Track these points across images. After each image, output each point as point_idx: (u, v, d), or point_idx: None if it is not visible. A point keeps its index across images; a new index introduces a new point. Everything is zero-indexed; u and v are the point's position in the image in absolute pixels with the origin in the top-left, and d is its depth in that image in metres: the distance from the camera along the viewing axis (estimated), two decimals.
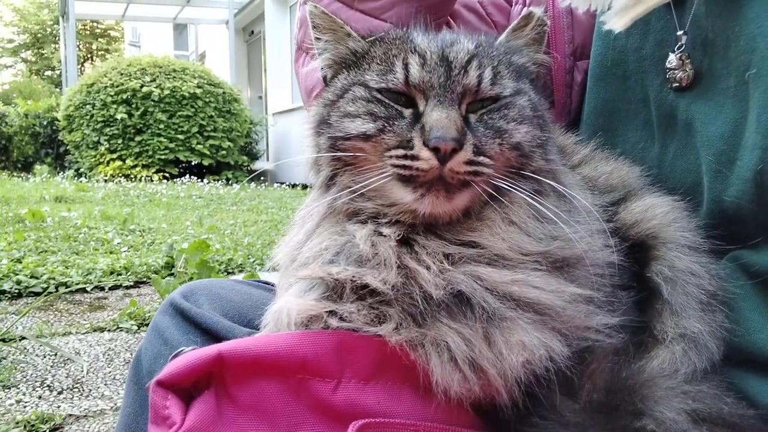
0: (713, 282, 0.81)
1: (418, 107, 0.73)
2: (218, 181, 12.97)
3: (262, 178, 14.43)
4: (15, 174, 13.34)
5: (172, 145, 12.78)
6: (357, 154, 0.74)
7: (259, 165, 15.52)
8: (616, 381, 0.71)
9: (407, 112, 0.74)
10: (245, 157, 14.39)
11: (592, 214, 0.80)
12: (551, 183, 0.75)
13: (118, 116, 12.39)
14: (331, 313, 0.71)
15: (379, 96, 0.75)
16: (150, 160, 12.74)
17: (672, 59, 0.90)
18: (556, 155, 0.81)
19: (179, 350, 0.70)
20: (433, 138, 0.68)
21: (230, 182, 13.21)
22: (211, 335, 1.02)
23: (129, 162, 12.67)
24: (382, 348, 0.68)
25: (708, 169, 0.85)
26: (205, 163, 13.23)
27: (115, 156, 12.69)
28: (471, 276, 0.69)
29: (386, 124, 0.72)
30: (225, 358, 0.65)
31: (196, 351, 0.67)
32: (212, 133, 13.19)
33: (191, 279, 3.58)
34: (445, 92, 0.72)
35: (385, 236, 0.72)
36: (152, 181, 12.15)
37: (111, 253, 4.66)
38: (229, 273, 4.15)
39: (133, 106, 12.59)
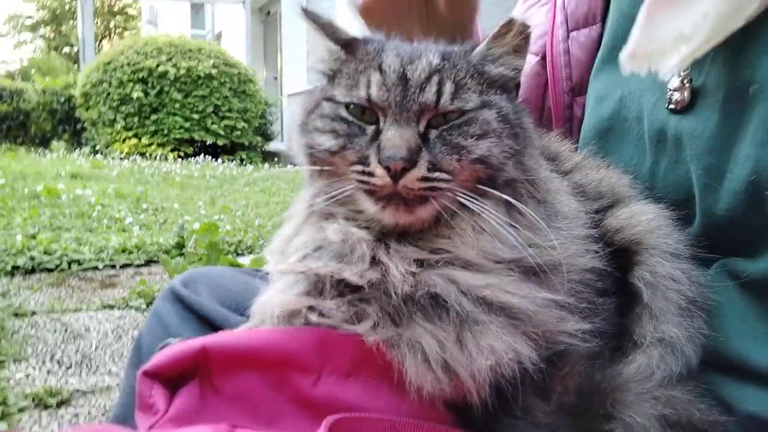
0: (693, 288, 0.83)
1: (379, 124, 0.75)
2: (232, 161, 13.03)
3: (275, 159, 14.47)
4: (32, 149, 13.49)
5: (187, 125, 12.86)
6: (327, 165, 0.78)
7: (273, 146, 15.56)
8: (589, 384, 0.73)
9: (370, 129, 0.75)
10: (259, 138, 14.44)
11: (576, 219, 0.81)
12: (529, 190, 0.77)
13: (134, 95, 12.47)
14: (312, 308, 0.74)
15: (343, 113, 0.77)
16: (165, 139, 12.83)
17: (674, 80, 0.91)
18: (538, 162, 0.82)
19: (166, 342, 0.74)
20: (384, 157, 0.70)
21: (244, 163, 13.27)
22: (208, 323, 1.05)
23: (144, 140, 12.76)
24: (360, 346, 0.70)
25: (698, 182, 0.85)
26: (220, 143, 13.29)
27: (130, 134, 12.78)
28: (446, 278, 0.71)
29: (347, 142, 0.75)
30: (209, 351, 0.68)
31: (182, 343, 0.70)
32: (227, 114, 13.24)
33: (200, 260, 3.64)
34: (401, 111, 0.73)
35: (360, 235, 0.75)
36: (167, 159, 12.24)
37: (123, 231, 4.74)
38: (238, 254, 4.20)
39: (149, 85, 12.65)
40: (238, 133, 13.50)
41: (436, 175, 0.71)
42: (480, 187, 0.75)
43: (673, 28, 0.80)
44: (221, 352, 0.69)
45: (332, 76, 0.81)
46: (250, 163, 13.42)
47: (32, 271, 3.60)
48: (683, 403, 0.73)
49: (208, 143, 13.25)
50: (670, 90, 0.91)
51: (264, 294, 0.81)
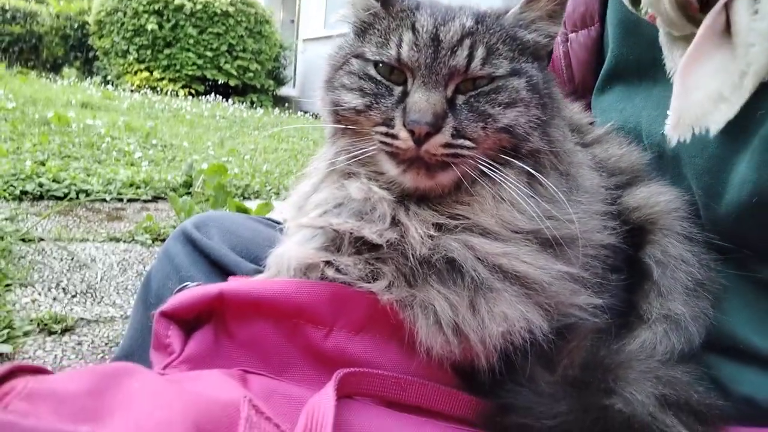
0: (702, 271, 0.84)
1: (407, 86, 0.74)
2: (243, 102, 12.93)
3: (286, 104, 14.35)
4: (43, 74, 13.37)
5: (200, 62, 12.71)
6: (351, 124, 0.78)
7: (285, 91, 15.40)
8: (593, 359, 0.75)
9: (397, 90, 0.75)
10: (272, 82, 14.29)
11: (596, 194, 0.82)
12: (553, 162, 0.76)
13: (149, 27, 12.28)
14: (329, 263, 0.74)
15: (372, 72, 0.76)
16: (177, 75, 12.71)
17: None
18: (564, 134, 0.81)
19: (184, 284, 0.75)
20: (409, 121, 0.70)
21: (254, 105, 13.17)
22: (218, 267, 1.06)
23: (156, 74, 12.64)
24: (373, 303, 0.72)
25: (699, 199, 0.86)
26: (232, 83, 13.17)
27: (142, 67, 12.66)
28: (463, 244, 0.71)
29: (373, 102, 0.74)
30: (226, 297, 0.70)
31: (200, 287, 0.71)
32: (241, 54, 13.07)
33: (207, 200, 3.65)
34: (430, 73, 0.72)
35: (381, 194, 0.75)
36: (177, 96, 12.16)
37: (132, 165, 4.74)
38: (245, 198, 4.22)
39: (164, 17, 12.45)
40: (251, 74, 13.36)
41: (460, 142, 0.71)
42: (502, 156, 0.75)
43: (710, 89, 0.79)
44: (238, 299, 0.70)
45: (363, 31, 0.80)
46: (261, 106, 13.31)
47: (40, 197, 3.62)
48: (682, 384, 0.75)
49: (219, 83, 13.11)
50: (669, 113, 0.90)
51: (281, 246, 0.82)
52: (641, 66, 1.02)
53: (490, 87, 0.74)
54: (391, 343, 0.74)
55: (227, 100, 12.60)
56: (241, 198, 4.17)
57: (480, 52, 0.73)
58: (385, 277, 0.72)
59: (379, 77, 0.75)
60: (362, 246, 0.74)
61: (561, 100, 0.83)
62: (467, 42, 0.73)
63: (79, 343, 2.00)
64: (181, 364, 0.66)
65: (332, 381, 0.64)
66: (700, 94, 0.79)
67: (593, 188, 0.82)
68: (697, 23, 0.83)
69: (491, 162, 0.73)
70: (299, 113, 13.39)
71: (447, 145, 0.71)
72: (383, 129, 0.73)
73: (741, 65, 0.75)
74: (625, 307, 0.84)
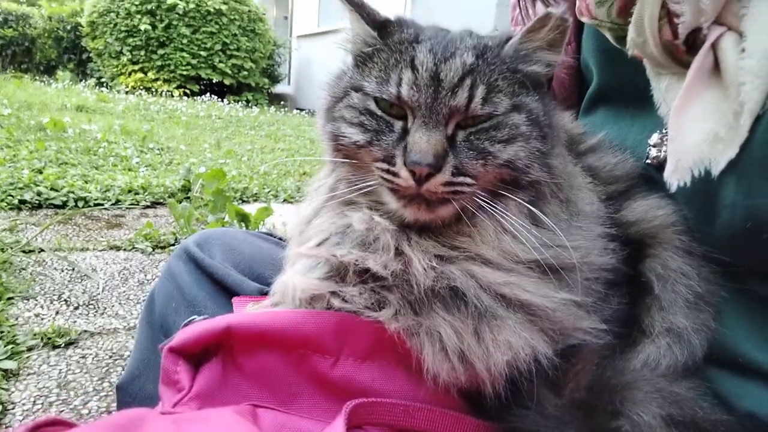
0: (702, 284, 0.85)
1: (407, 122, 0.74)
2: (238, 102, 12.91)
3: (282, 102, 14.32)
4: (37, 77, 13.33)
5: (194, 62, 12.69)
6: (352, 156, 0.78)
7: (280, 89, 15.38)
8: (600, 381, 0.75)
9: (398, 125, 0.74)
10: (266, 80, 14.27)
11: (596, 217, 0.82)
12: (553, 190, 0.77)
13: (142, 27, 12.25)
14: (334, 293, 0.75)
15: (372, 107, 0.76)
16: (171, 75, 12.68)
17: (655, 137, 0.91)
18: (563, 161, 0.81)
19: (191, 318, 0.75)
20: (410, 161, 0.70)
21: (250, 104, 13.15)
22: (222, 286, 1.07)
23: (150, 75, 12.62)
24: (379, 332, 0.72)
25: (693, 222, 0.86)
26: (226, 82, 13.15)
27: (136, 68, 12.63)
28: (466, 273, 0.72)
29: (374, 138, 0.74)
30: (233, 331, 0.70)
31: (207, 321, 0.72)
32: (235, 52, 13.04)
33: (206, 206, 3.65)
34: (431, 113, 0.72)
35: (384, 225, 0.76)
36: (173, 96, 12.13)
37: (129, 170, 4.74)
38: (243, 201, 4.21)
39: (157, 17, 12.43)
40: (245, 73, 13.34)
41: (460, 179, 0.71)
42: (503, 187, 0.75)
43: (706, 130, 0.79)
44: (245, 332, 0.71)
45: (363, 62, 0.79)
46: (256, 104, 13.31)
47: (39, 206, 3.61)
48: (687, 402, 0.75)
49: (214, 82, 13.09)
50: (650, 145, 0.92)
51: (284, 274, 0.83)
52: (626, 92, 1.02)
53: (489, 124, 0.74)
54: (398, 370, 0.74)
55: (222, 100, 12.57)
56: (240, 202, 4.17)
57: (480, 92, 0.73)
58: (392, 305, 0.73)
59: (379, 113, 0.75)
60: (367, 276, 0.74)
61: (561, 128, 0.83)
62: (468, 81, 0.72)
63: (84, 357, 2.00)
64: (191, 401, 0.66)
65: (342, 414, 0.65)
66: (696, 136, 0.79)
67: (593, 211, 0.82)
68: (684, 64, 0.83)
69: (492, 194, 0.74)
70: (295, 111, 13.39)
71: (447, 184, 0.71)
72: (384, 166, 0.73)
73: (734, 105, 0.75)
74: (627, 320, 0.84)
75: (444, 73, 0.72)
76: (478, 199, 0.73)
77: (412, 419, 0.72)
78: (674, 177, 0.82)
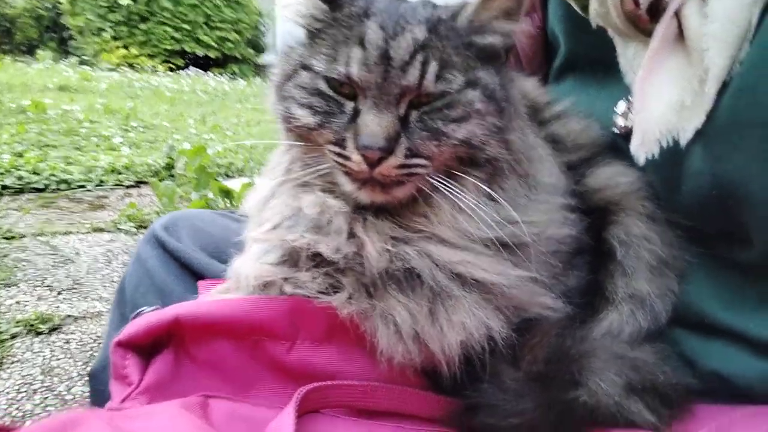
0: (666, 249, 0.84)
1: (358, 103, 0.71)
2: (223, 74, 12.74)
3: (268, 73, 14.13)
4: (18, 58, 13.09)
5: (177, 35, 12.49)
6: (304, 138, 0.76)
7: (266, 58, 15.18)
8: (558, 352, 0.75)
9: (349, 105, 0.72)
10: (252, 50, 14.06)
11: (557, 188, 0.81)
12: (512, 165, 0.75)
13: (123, 2, 12.01)
14: (287, 279, 0.74)
15: (322, 87, 0.72)
16: (155, 50, 12.50)
17: (621, 105, 0.89)
18: (523, 134, 0.79)
19: (140, 310, 0.74)
20: (360, 145, 0.68)
21: (236, 76, 12.98)
22: (189, 269, 1.06)
23: (134, 51, 12.43)
24: (333, 315, 0.71)
25: (661, 189, 0.86)
26: (211, 55, 12.97)
27: (119, 44, 12.43)
28: (422, 253, 0.71)
29: (325, 120, 0.72)
30: (182, 322, 0.69)
31: (155, 313, 0.70)
32: (219, 24, 12.84)
33: (190, 183, 3.62)
34: (381, 93, 0.69)
35: (337, 207, 0.74)
36: (157, 72, 11.95)
37: (112, 150, 4.68)
38: (228, 176, 4.18)
39: None
40: (230, 45, 13.15)
41: (414, 161, 0.69)
42: (459, 166, 0.73)
43: (672, 99, 0.77)
44: (194, 321, 0.70)
45: (312, 37, 0.76)
46: (242, 76, 13.13)
47: (20, 191, 3.58)
48: (648, 367, 0.76)
49: (199, 55, 12.90)
50: (616, 113, 0.90)
51: (239, 258, 0.81)
52: (593, 60, 1.00)
53: (443, 102, 0.71)
54: (355, 349, 0.74)
55: (208, 73, 12.41)
56: (225, 177, 4.14)
57: (432, 69, 0.69)
58: (345, 289, 0.72)
59: (330, 93, 0.72)
60: (320, 260, 0.73)
61: (519, 100, 0.81)
62: (419, 58, 0.69)
63: (68, 342, 2.00)
64: (140, 395, 0.66)
65: (293, 401, 0.64)
66: (662, 106, 0.77)
67: (552, 183, 0.81)
68: (648, 33, 0.82)
69: (448, 174, 0.72)
70: None
71: (401, 166, 0.69)
72: (336, 149, 0.71)
73: (698, 71, 0.74)
74: (590, 287, 0.84)
75: (394, 51, 0.69)
76: (433, 180, 0.71)
77: (371, 399, 0.72)
78: (641, 150, 0.80)
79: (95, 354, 1.93)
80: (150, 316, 0.70)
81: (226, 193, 3.20)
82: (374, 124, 0.68)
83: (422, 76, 0.69)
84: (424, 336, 0.69)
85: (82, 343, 2.00)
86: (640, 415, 0.70)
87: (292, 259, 0.75)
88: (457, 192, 0.71)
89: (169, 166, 4.10)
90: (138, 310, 0.75)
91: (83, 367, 1.86)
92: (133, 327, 0.69)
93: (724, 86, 0.74)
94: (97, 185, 3.83)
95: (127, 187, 3.93)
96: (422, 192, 0.73)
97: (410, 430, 0.72)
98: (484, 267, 0.71)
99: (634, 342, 0.82)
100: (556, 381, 0.72)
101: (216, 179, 3.50)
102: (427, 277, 0.70)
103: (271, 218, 0.79)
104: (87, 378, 1.79)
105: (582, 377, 0.73)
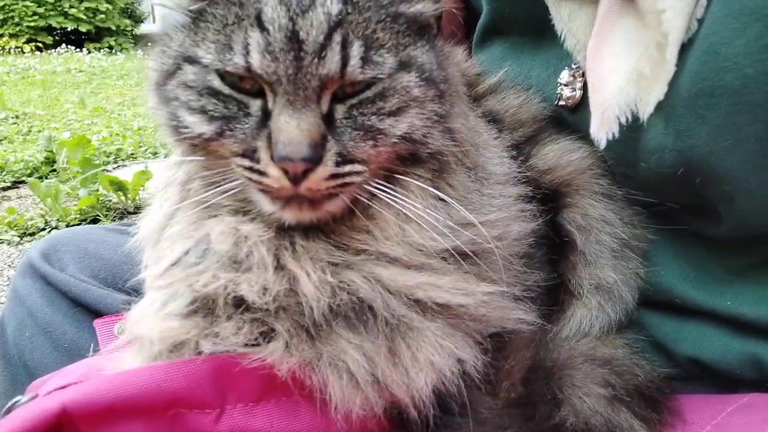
0: (626, 229, 0.79)
1: (267, 101, 0.56)
2: (100, 49, 11.84)
3: (149, 44, 13.29)
4: None
5: (41, 10, 11.47)
6: (200, 150, 0.61)
7: (146, 28, 14.26)
8: (534, 368, 0.68)
9: (255, 105, 0.56)
10: (128, 21, 13.14)
11: (508, 177, 0.70)
12: (458, 157, 0.64)
13: None
14: (203, 334, 0.58)
15: (216, 84, 0.56)
16: (18, 29, 11.44)
17: (565, 75, 0.81)
18: (465, 118, 0.67)
19: (15, 401, 0.57)
20: (278, 157, 0.53)
21: (114, 50, 12.10)
22: (81, 305, 0.90)
23: None
24: (269, 373, 0.57)
25: (615, 169, 0.79)
26: (83, 29, 12.01)
27: None
28: (370, 279, 0.58)
29: (225, 127, 0.56)
30: (72, 413, 0.53)
31: (32, 406, 0.53)
32: None
33: (75, 177, 3.28)
34: (296, 88, 0.54)
35: (256, 235, 0.59)
36: (23, 53, 10.92)
37: None
38: (118, 165, 3.83)
39: None
40: (102, 16, 12.25)
41: (348, 168, 0.56)
42: (400, 166, 0.61)
43: (628, 68, 0.69)
44: (88, 410, 0.54)
45: (193, 20, 0.59)
46: (121, 50, 12.27)
47: None
48: (627, 366, 0.72)
49: (69, 30, 11.89)
50: (560, 84, 0.82)
51: (137, 308, 0.64)
52: (523, 22, 0.90)
53: (374, 91, 0.57)
54: (300, 403, 0.61)
55: (81, 50, 11.47)
56: (114, 166, 3.79)
57: (356, 50, 0.55)
58: (281, 336, 0.57)
59: (227, 91, 0.56)
60: (243, 304, 0.58)
61: (458, 79, 0.68)
62: (337, 38, 0.54)
63: None
64: None
65: None
66: (618, 78, 0.69)
67: (504, 171, 0.71)
68: None
69: (387, 177, 0.60)
70: None
71: (332, 177, 0.55)
72: (246, 162, 0.56)
73: (656, 35, 0.65)
74: (552, 283, 0.76)
75: (305, 31, 0.54)
76: (371, 186, 0.58)
77: None
78: (602, 131, 0.72)
79: None
80: (27, 413, 0.53)
81: (119, 187, 2.91)
82: (292, 127, 0.53)
83: (344, 60, 0.55)
84: (385, 381, 0.57)
85: None
86: (631, 428, 0.65)
87: (205, 306, 0.59)
88: (401, 198, 0.59)
89: (50, 161, 3.70)
90: (12, 401, 0.57)
91: None
92: (6, 427, 0.52)
93: (685, 50, 0.66)
94: None
95: (3, 189, 3.51)
96: (359, 202, 0.59)
97: None
98: (446, 287, 0.60)
99: (605, 336, 0.77)
100: (538, 405, 0.65)
101: (105, 171, 3.19)
102: (380, 309, 0.58)
103: (169, 253, 0.63)
104: None
105: (564, 394, 0.67)
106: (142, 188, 2.98)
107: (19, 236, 2.78)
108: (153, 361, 0.59)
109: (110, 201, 3.03)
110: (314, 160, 0.54)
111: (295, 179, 0.54)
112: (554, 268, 0.77)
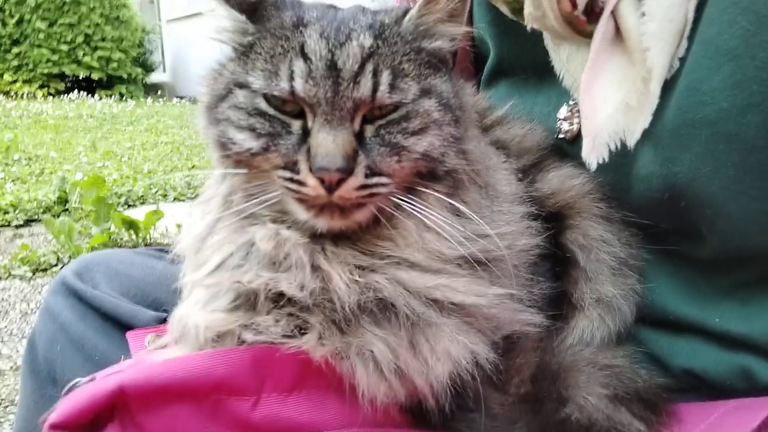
0: (624, 249, 0.85)
1: (307, 121, 0.65)
2: (111, 96, 12.11)
3: (159, 92, 13.60)
4: None
5: (55, 57, 11.73)
6: (246, 165, 0.68)
7: (156, 77, 14.61)
8: (542, 368, 0.73)
9: (296, 124, 0.65)
10: (139, 69, 13.46)
11: (516, 197, 0.78)
12: (471, 176, 0.72)
13: None
14: (245, 326, 0.65)
15: (263, 106, 0.65)
16: (31, 75, 11.68)
17: (563, 110, 0.89)
18: (477, 141, 0.76)
19: (74, 382, 0.63)
20: (316, 168, 0.61)
21: (124, 98, 12.38)
22: (112, 319, 0.95)
23: (7, 77, 11.55)
24: (304, 360, 0.64)
25: (610, 192, 0.86)
26: (95, 77, 12.27)
27: None
28: (393, 281, 0.65)
29: (270, 143, 0.65)
30: (127, 392, 0.59)
31: (93, 386, 0.60)
32: (100, 43, 12.16)
33: (88, 216, 3.36)
34: (333, 109, 0.63)
35: (294, 239, 0.67)
36: (35, 98, 11.17)
37: None
38: (129, 206, 3.93)
39: (6, 13, 11.33)
40: (115, 64, 12.50)
41: (375, 180, 0.64)
42: (419, 181, 0.68)
43: (617, 101, 0.77)
44: (143, 389, 0.60)
45: (243, 53, 0.68)
46: (131, 97, 12.54)
47: None
48: (627, 373, 0.76)
49: (81, 77, 12.17)
50: (560, 119, 0.90)
51: (182, 306, 0.71)
52: (526, 64, 1.00)
53: (399, 114, 0.66)
54: (329, 395, 0.67)
55: (93, 96, 11.74)
56: (126, 207, 3.88)
57: (386, 78, 0.64)
58: (314, 329, 0.64)
59: (272, 112, 0.65)
60: (282, 300, 0.65)
61: (471, 107, 0.77)
62: (369, 67, 0.64)
63: None
64: None
65: None
66: (608, 109, 0.78)
67: (512, 191, 0.78)
68: (586, 34, 0.82)
69: (408, 190, 0.67)
70: (174, 99, 12.77)
71: (362, 187, 0.63)
72: (287, 174, 0.64)
73: (641, 71, 0.74)
74: (555, 294, 0.82)
75: (342, 61, 0.63)
76: (395, 198, 0.66)
77: None
78: (592, 155, 0.80)
79: (2, 421, 1.72)
80: (88, 390, 0.59)
81: (131, 225, 2.99)
82: (329, 142, 0.62)
83: (375, 86, 0.64)
84: (407, 370, 0.64)
85: None
86: (631, 426, 0.69)
87: (248, 302, 0.66)
88: (421, 209, 0.66)
89: (63, 200, 3.79)
90: (72, 383, 0.63)
91: None
92: (68, 404, 0.58)
93: (670, 87, 0.74)
94: None
95: (16, 227, 3.59)
96: (384, 212, 0.67)
97: None
98: (461, 289, 0.67)
99: (606, 348, 0.82)
100: (545, 400, 0.71)
101: (116, 210, 3.27)
102: (402, 307, 0.65)
103: (213, 257, 0.70)
104: None
105: (569, 393, 0.72)
106: (153, 227, 3.06)
107: (31, 272, 2.84)
108: (199, 350, 0.66)
109: (121, 239, 3.11)
110: (347, 170, 0.62)
111: (330, 188, 0.62)
112: (558, 282, 0.83)
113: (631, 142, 0.77)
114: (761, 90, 0.67)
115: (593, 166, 0.81)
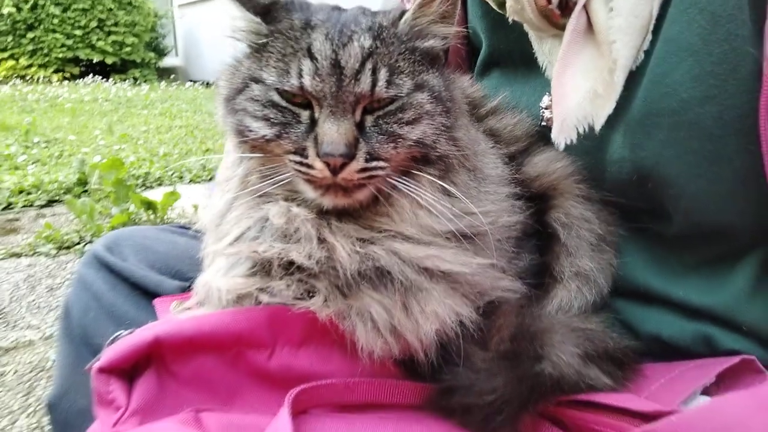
0: (602, 227, 0.92)
1: (314, 112, 0.74)
2: (125, 80, 12.22)
3: (172, 76, 13.69)
4: None
5: (69, 42, 11.83)
6: (260, 150, 0.77)
7: (168, 61, 14.68)
8: (521, 330, 0.81)
9: (305, 115, 0.74)
10: (152, 54, 13.54)
11: (502, 179, 0.86)
12: (461, 161, 0.80)
13: (5, 10, 11.24)
14: (261, 290, 0.75)
15: (276, 98, 0.75)
16: (47, 59, 11.79)
17: (545, 100, 0.96)
18: (467, 130, 0.84)
19: (117, 334, 0.74)
20: (323, 153, 0.71)
21: (138, 81, 12.48)
22: (140, 289, 1.05)
23: (23, 61, 11.68)
24: (312, 319, 0.74)
25: (588, 173, 0.93)
26: (108, 61, 12.38)
27: (6, 55, 11.64)
28: (389, 251, 0.75)
29: (283, 131, 0.74)
30: (162, 341, 0.69)
31: (133, 336, 0.70)
32: (113, 28, 12.25)
33: (108, 197, 3.49)
34: (337, 102, 0.72)
35: (303, 215, 0.76)
36: (51, 82, 11.30)
37: (16, 169, 4.41)
38: (147, 188, 4.05)
39: None
40: (128, 49, 12.59)
41: (374, 164, 0.73)
42: (414, 165, 0.77)
43: (586, 89, 0.84)
44: (175, 340, 0.70)
45: (258, 51, 0.78)
46: (145, 81, 12.65)
47: None
48: (599, 335, 0.83)
49: (95, 62, 12.29)
50: (542, 108, 0.97)
51: (205, 273, 0.82)
52: (514, 55, 1.07)
53: (395, 106, 0.75)
54: (333, 350, 0.77)
55: (107, 80, 11.86)
56: (143, 188, 4.00)
57: (383, 75, 0.73)
58: (320, 293, 0.74)
59: (284, 104, 0.75)
60: (293, 267, 0.75)
61: (461, 99, 0.86)
62: (369, 65, 0.73)
63: (2, 375, 1.90)
64: (131, 417, 0.66)
65: (286, 402, 0.66)
66: (577, 95, 0.85)
67: (498, 174, 0.86)
68: (561, 27, 0.88)
69: (404, 173, 0.76)
70: (188, 83, 12.84)
71: (362, 170, 0.72)
72: (297, 158, 0.73)
73: (608, 62, 0.81)
74: (539, 272, 0.91)
75: (344, 60, 0.72)
76: (392, 180, 0.75)
77: (353, 393, 0.75)
78: (561, 136, 0.88)
79: (35, 384, 1.85)
80: (129, 340, 0.70)
81: (149, 206, 3.11)
82: (334, 131, 0.71)
83: (374, 82, 0.73)
84: (400, 328, 0.73)
85: (18, 374, 1.90)
86: (598, 380, 0.76)
87: (263, 269, 0.76)
88: (414, 189, 0.76)
89: (82, 182, 3.92)
90: (116, 334, 0.74)
91: (24, 398, 1.78)
92: (113, 352, 0.69)
93: (636, 79, 0.82)
94: (5, 208, 3.61)
95: (40, 207, 3.72)
96: (382, 192, 0.77)
97: (392, 419, 0.76)
98: (449, 259, 0.76)
99: (583, 314, 0.90)
100: (522, 357, 0.78)
101: (135, 192, 3.39)
102: (396, 274, 0.74)
103: (232, 231, 0.80)
104: (31, 411, 1.72)
105: (544, 351, 0.78)
106: (170, 208, 3.18)
107: (56, 249, 2.97)
108: (220, 309, 0.76)
109: (140, 219, 3.23)
110: (349, 156, 0.71)
111: (334, 171, 0.72)
112: (541, 257, 0.92)
113: (597, 127, 0.85)
114: (717, 84, 0.75)
115: (561, 146, 0.89)
